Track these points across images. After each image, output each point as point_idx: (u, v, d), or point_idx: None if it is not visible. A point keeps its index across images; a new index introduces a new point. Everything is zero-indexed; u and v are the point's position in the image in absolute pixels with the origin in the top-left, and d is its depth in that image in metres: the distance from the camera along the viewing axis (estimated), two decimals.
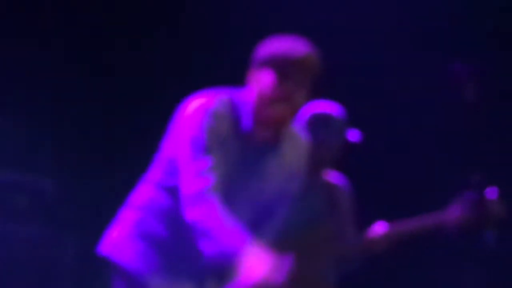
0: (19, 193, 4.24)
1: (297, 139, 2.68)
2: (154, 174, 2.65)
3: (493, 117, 3.28)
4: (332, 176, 3.69)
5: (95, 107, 5.10)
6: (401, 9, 5.05)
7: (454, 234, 3.45)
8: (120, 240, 2.63)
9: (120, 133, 5.03)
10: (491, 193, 3.44)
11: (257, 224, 2.67)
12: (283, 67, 2.50)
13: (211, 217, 2.40)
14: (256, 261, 2.36)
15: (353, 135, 3.56)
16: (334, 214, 3.63)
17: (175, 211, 2.53)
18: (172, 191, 2.55)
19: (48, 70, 5.07)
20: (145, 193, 2.66)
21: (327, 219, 3.61)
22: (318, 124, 3.54)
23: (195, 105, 2.53)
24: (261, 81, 2.53)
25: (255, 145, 2.56)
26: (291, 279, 2.62)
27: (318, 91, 2.67)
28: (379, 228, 3.58)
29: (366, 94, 4.96)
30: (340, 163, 3.59)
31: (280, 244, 3.46)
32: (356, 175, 3.79)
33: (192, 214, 2.44)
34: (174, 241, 2.59)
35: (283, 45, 2.54)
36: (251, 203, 2.62)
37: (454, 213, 3.47)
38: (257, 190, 2.61)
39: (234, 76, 2.79)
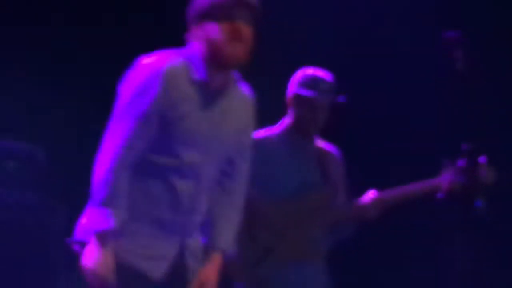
0: (12, 159, 4.31)
1: (243, 94, 2.74)
2: None
3: (483, 85, 3.32)
4: (324, 144, 3.74)
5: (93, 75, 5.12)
6: None
7: (445, 200, 3.51)
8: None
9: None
10: (482, 160, 3.50)
11: (225, 173, 2.73)
12: (221, 12, 2.57)
13: (107, 183, 2.49)
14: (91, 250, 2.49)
15: (340, 97, 3.61)
16: (326, 182, 3.67)
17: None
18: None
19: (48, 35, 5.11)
20: None
21: (320, 186, 3.66)
22: (309, 84, 3.59)
23: (143, 66, 2.57)
24: (206, 32, 2.58)
25: (212, 92, 2.62)
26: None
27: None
28: (370, 196, 3.63)
29: (358, 65, 4.99)
30: (329, 124, 3.64)
31: (276, 209, 3.54)
32: (348, 144, 3.85)
33: (96, 172, 2.53)
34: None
35: None
36: (219, 149, 2.68)
37: (445, 179, 3.53)
38: (220, 135, 2.66)
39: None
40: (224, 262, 2.80)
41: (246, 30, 2.59)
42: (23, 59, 4.96)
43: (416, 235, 4.70)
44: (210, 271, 2.71)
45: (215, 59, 2.58)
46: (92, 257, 2.47)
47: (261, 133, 3.64)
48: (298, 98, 3.61)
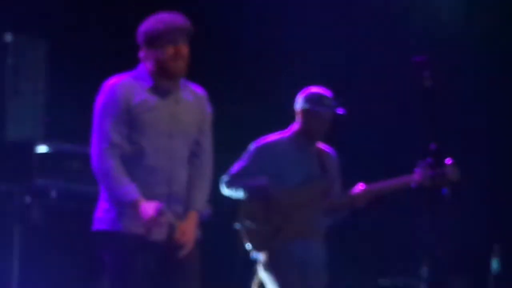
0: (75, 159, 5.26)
1: (193, 90, 3.62)
2: None
3: (445, 98, 4.29)
4: (324, 147, 4.70)
5: None
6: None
7: (418, 189, 4.49)
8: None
9: None
10: (448, 162, 4.48)
11: (193, 153, 3.58)
12: (165, 38, 3.44)
13: (106, 172, 3.40)
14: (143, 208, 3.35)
15: (340, 110, 4.57)
16: (325, 176, 4.63)
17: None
18: None
19: None
20: None
21: (320, 179, 4.62)
22: (315, 100, 4.55)
23: (104, 86, 3.50)
24: (155, 54, 3.46)
25: (163, 94, 3.51)
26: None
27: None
28: (359, 187, 4.59)
29: (348, 83, 5.97)
30: (330, 133, 4.60)
31: (285, 196, 4.49)
32: (342, 147, 4.81)
33: (94, 168, 3.45)
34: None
35: (152, 25, 3.49)
36: (182, 136, 3.54)
37: (417, 174, 4.50)
38: (180, 122, 3.53)
39: None
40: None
41: (185, 48, 3.47)
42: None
43: (394, 213, 5.68)
44: (188, 225, 3.49)
45: (163, 73, 3.48)
46: (145, 211, 3.33)
47: (274, 136, 4.60)
48: (306, 112, 4.55)
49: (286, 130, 4.67)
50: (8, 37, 5.47)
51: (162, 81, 3.50)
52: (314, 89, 4.60)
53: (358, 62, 6.05)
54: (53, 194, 5.27)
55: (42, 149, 5.35)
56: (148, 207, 3.34)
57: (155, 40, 3.46)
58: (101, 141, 3.43)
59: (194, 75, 3.62)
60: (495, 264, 5.23)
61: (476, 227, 5.91)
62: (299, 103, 4.60)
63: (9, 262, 5.19)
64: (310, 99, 4.56)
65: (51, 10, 5.90)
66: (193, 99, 3.59)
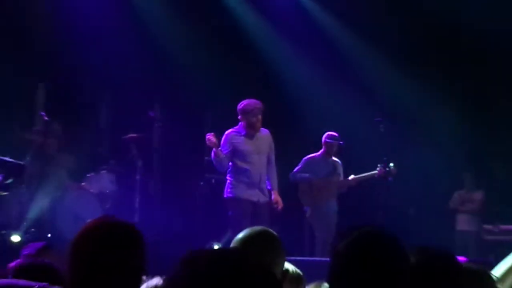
0: None
1: (264, 131, 8.98)
2: None
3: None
4: (335, 158, 10.18)
5: None
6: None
7: (379, 178, 9.99)
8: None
9: None
10: (392, 166, 10.02)
11: (267, 162, 8.99)
12: (250, 111, 8.74)
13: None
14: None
15: (341, 142, 10.07)
16: (336, 173, 10.14)
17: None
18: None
19: None
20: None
21: (334, 175, 10.11)
22: (332, 137, 10.01)
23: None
24: (247, 119, 8.72)
25: (250, 137, 8.86)
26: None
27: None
28: (351, 177, 10.11)
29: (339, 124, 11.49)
30: (337, 151, 10.11)
31: (318, 181, 9.95)
32: (341, 157, 10.29)
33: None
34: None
35: (246, 105, 8.79)
36: (260, 158, 8.96)
37: (379, 171, 10.01)
38: (259, 151, 8.94)
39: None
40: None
41: (260, 117, 8.74)
42: None
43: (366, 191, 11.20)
44: (276, 195, 8.88)
45: (250, 128, 8.79)
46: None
47: (312, 154, 10.04)
48: (328, 143, 10.00)
49: (318, 152, 10.11)
50: None
51: (251, 131, 8.84)
52: (331, 132, 10.07)
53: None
54: None
55: None
56: None
57: (248, 113, 8.77)
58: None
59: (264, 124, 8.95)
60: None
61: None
62: (324, 138, 10.05)
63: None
64: (329, 136, 10.03)
65: None
66: (265, 136, 8.97)
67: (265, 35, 11.93)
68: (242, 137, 8.66)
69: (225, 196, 8.74)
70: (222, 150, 8.57)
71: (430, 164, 11.23)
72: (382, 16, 11.49)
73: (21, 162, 9.99)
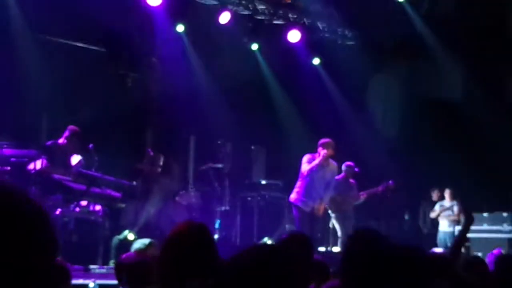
0: None
1: (332, 163, 13.27)
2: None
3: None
4: (352, 180, 14.47)
5: None
6: None
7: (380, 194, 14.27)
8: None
9: None
10: (391, 181, 14.29)
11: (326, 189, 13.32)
12: (329, 146, 12.98)
13: None
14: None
15: (356, 169, 14.39)
16: (352, 190, 14.44)
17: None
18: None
19: None
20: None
21: (351, 192, 14.42)
22: (349, 166, 14.33)
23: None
24: (325, 149, 12.96)
25: (324, 166, 13.14)
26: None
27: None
28: (362, 193, 14.41)
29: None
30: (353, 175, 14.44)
31: (339, 198, 14.24)
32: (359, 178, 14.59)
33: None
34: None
35: (326, 142, 13.07)
36: (324, 183, 13.26)
37: (380, 187, 14.30)
38: (325, 178, 13.21)
39: None
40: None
41: (333, 149, 12.99)
42: None
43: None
44: (322, 207, 13.19)
45: (326, 157, 13.18)
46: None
47: (336, 178, 14.34)
48: (346, 170, 14.31)
49: (340, 175, 14.37)
50: None
51: (325, 161, 13.18)
52: (348, 162, 14.38)
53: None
54: None
55: None
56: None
57: (326, 146, 12.97)
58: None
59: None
60: None
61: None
62: (343, 166, 14.35)
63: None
64: (347, 165, 14.35)
65: None
66: (331, 166, 13.20)
67: None
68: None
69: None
70: None
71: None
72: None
73: (134, 184, 13.26)
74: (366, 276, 3.05)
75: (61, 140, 11.40)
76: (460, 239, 6.32)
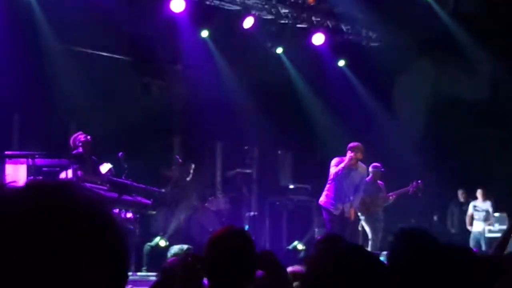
0: None
1: (362, 166, 13.24)
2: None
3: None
4: (380, 181, 14.43)
5: None
6: None
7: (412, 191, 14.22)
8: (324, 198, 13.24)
9: None
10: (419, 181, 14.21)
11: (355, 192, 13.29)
12: (357, 150, 12.97)
13: None
14: None
15: (383, 170, 14.31)
16: (380, 192, 14.38)
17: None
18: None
19: None
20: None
21: (379, 193, 14.36)
22: (376, 167, 14.26)
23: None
24: (353, 153, 12.92)
25: (353, 169, 13.11)
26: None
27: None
28: (390, 194, 14.34)
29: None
30: (381, 176, 14.39)
31: (368, 199, 14.19)
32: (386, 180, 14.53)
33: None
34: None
35: (354, 146, 13.06)
36: (353, 186, 13.23)
37: (410, 187, 14.24)
38: (354, 181, 13.17)
39: None
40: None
41: (361, 153, 12.98)
42: None
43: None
44: (352, 211, 13.17)
45: (355, 161, 13.14)
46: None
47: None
48: (373, 171, 14.26)
49: (368, 177, 14.31)
50: None
51: (354, 164, 13.04)
52: (375, 163, 14.33)
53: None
54: None
55: None
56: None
57: (355, 150, 12.94)
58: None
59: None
60: None
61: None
62: (370, 168, 14.30)
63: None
64: (374, 167, 14.30)
65: None
66: (360, 169, 13.17)
67: None
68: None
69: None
70: None
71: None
72: None
73: (163, 190, 13.50)
74: (413, 274, 3.04)
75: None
76: (504, 240, 6.32)
